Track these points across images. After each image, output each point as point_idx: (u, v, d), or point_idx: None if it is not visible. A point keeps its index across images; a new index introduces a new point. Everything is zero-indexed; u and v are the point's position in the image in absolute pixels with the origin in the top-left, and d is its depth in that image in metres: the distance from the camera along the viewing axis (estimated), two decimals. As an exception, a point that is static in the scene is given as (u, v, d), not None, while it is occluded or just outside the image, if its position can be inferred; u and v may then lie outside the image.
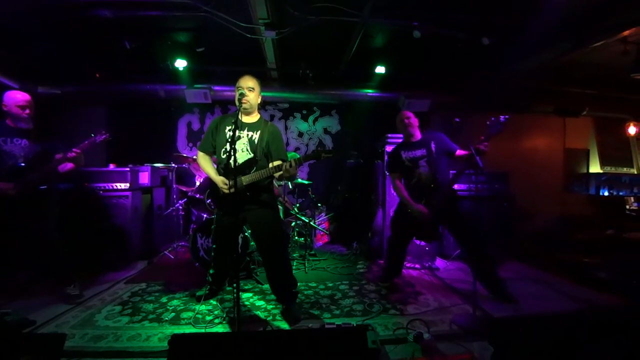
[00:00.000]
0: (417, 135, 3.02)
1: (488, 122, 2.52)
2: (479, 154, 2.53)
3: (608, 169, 6.15)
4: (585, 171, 6.18)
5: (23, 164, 2.59)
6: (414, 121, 3.02)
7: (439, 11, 3.53)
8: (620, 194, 5.40)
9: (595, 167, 6.19)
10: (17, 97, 2.62)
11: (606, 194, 5.47)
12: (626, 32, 3.23)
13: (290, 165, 2.25)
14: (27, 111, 2.63)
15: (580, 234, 4.69)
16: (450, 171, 2.91)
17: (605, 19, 3.27)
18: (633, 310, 1.91)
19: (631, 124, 6.02)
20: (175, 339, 1.34)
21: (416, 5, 3.45)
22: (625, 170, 6.23)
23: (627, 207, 5.09)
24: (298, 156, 2.33)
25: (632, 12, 3.05)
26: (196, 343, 1.38)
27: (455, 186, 2.94)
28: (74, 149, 2.64)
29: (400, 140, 4.03)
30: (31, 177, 2.59)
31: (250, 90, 2.44)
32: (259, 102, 2.56)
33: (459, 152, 2.88)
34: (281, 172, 2.30)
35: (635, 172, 6.21)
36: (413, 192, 2.91)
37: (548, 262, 4.02)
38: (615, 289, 3.14)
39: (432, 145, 2.90)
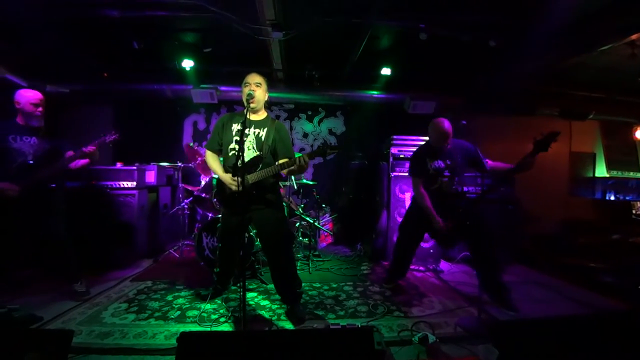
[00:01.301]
0: (448, 146, 2.86)
1: (538, 138, 2.24)
2: (524, 170, 2.39)
3: (615, 173, 6.10)
4: (591, 175, 6.14)
5: (32, 162, 2.62)
6: (451, 134, 2.79)
7: (445, 13, 3.54)
8: (627, 198, 5.36)
9: (601, 171, 6.15)
10: (30, 95, 2.67)
11: (612, 198, 5.43)
12: (634, 36, 3.22)
13: (303, 162, 2.26)
14: (40, 109, 2.69)
15: (586, 238, 4.67)
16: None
17: (613, 22, 3.26)
18: (638, 315, 1.90)
19: (638, 128, 5.97)
20: (183, 336, 1.36)
21: (422, 7, 3.45)
22: (632, 174, 6.18)
23: (634, 211, 5.05)
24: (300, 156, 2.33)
25: (640, 15, 3.04)
26: (204, 341, 1.39)
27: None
28: (90, 145, 2.68)
29: (409, 141, 4.06)
30: (40, 175, 2.62)
31: (257, 86, 2.46)
32: (266, 99, 2.57)
33: (490, 163, 2.73)
34: (292, 167, 2.30)
35: (642, 177, 6.16)
36: (432, 198, 2.81)
37: (553, 265, 4.00)
38: (620, 293, 3.13)
39: (459, 157, 2.82)
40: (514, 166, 2.45)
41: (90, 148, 2.69)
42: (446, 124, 2.80)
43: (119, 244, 3.77)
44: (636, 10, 3.05)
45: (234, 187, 2.38)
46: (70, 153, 2.70)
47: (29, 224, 2.68)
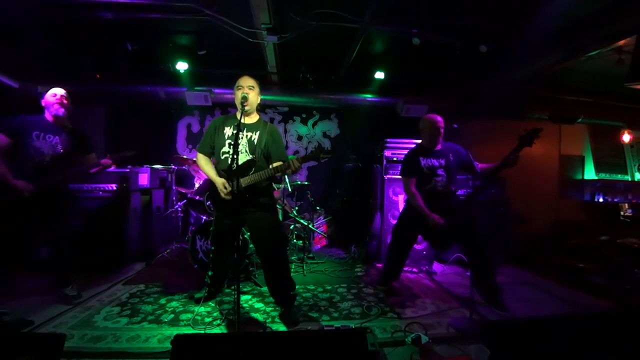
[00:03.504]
0: (439, 144, 2.94)
1: (522, 134, 2.36)
2: (509, 165, 2.45)
3: (603, 176, 6.22)
4: (580, 177, 6.25)
5: (47, 163, 2.59)
6: (443, 131, 2.88)
7: (438, 18, 3.59)
8: (615, 200, 5.47)
9: (590, 174, 6.26)
10: (53, 89, 2.73)
11: (601, 200, 5.54)
12: (621, 42, 3.30)
13: (293, 165, 2.27)
14: (58, 99, 2.70)
15: (575, 240, 4.75)
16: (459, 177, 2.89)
17: (601, 28, 3.33)
18: (626, 314, 1.94)
19: (625, 132, 6.10)
20: (178, 338, 1.36)
21: (416, 13, 3.50)
22: (619, 177, 6.31)
23: (622, 213, 5.15)
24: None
25: (626, 21, 3.11)
26: (198, 343, 1.39)
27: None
28: (107, 158, 2.84)
29: (402, 144, 4.12)
30: (55, 178, 2.60)
31: (250, 89, 2.47)
32: (258, 102, 2.58)
33: (481, 165, 2.79)
34: (284, 170, 2.32)
35: (630, 179, 6.29)
36: (426, 199, 2.81)
37: (543, 266, 4.06)
38: (609, 293, 3.19)
39: (451, 157, 2.87)
40: (500, 162, 2.49)
41: (107, 161, 2.81)
42: (438, 118, 2.88)
43: (111, 247, 3.73)
44: (623, 17, 3.13)
45: (223, 194, 2.38)
46: (107, 161, 2.81)
47: (33, 226, 2.64)
